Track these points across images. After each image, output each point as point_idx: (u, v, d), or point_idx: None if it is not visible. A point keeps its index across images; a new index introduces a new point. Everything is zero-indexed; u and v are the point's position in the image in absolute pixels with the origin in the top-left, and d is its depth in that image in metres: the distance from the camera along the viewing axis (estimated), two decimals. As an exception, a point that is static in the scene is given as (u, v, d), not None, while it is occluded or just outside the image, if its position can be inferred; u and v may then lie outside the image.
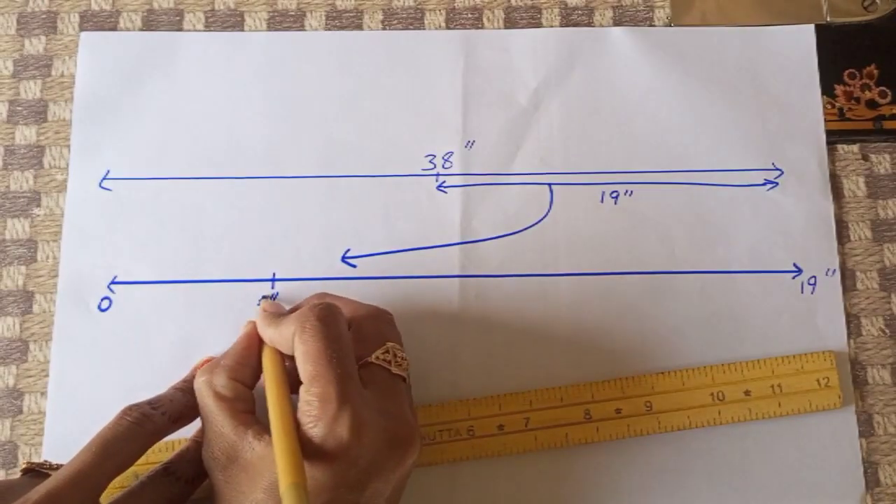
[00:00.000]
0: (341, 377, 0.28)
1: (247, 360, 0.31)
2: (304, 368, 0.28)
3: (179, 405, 0.32)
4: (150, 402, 0.31)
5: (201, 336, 0.37)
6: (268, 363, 0.31)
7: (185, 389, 0.33)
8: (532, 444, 0.35)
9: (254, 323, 0.33)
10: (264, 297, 0.38)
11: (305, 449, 0.27)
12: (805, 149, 0.40)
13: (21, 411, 0.37)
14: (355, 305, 0.33)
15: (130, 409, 0.30)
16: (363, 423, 0.27)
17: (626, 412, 0.36)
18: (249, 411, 0.30)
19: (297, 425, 0.28)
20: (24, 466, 0.31)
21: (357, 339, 0.31)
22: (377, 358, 0.30)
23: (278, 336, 0.30)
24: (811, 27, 0.41)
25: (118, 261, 0.38)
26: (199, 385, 0.30)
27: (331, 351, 0.28)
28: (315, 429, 0.27)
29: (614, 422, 0.36)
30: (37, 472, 0.30)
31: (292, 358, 0.30)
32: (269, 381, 0.30)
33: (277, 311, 0.33)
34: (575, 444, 0.36)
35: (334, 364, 0.28)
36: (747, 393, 0.36)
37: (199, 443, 0.31)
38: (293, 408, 0.29)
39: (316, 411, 0.27)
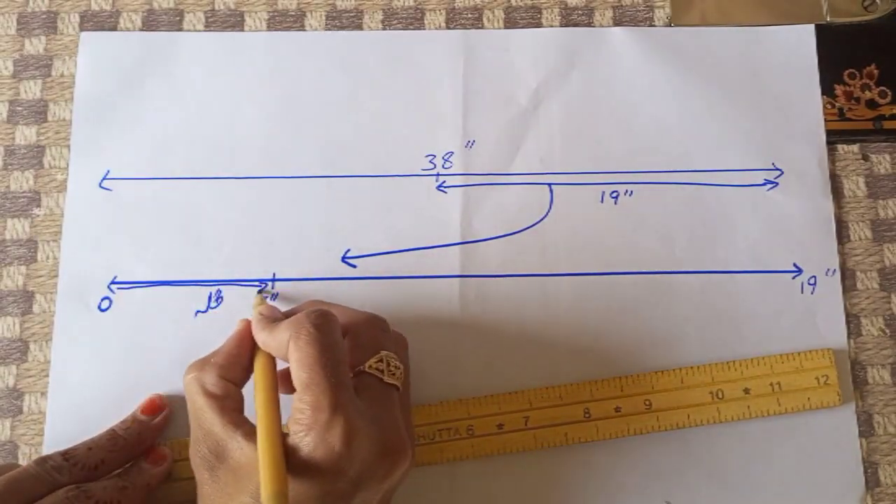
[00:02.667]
0: (335, 386, 0.27)
1: (238, 360, 0.31)
2: (297, 375, 0.28)
3: (101, 452, 0.32)
4: (63, 453, 0.32)
5: (201, 336, 0.37)
6: (259, 367, 0.31)
7: (115, 435, 0.33)
8: (532, 443, 0.35)
9: (247, 322, 0.32)
10: (260, 290, 0.37)
11: (294, 458, 0.27)
12: (805, 149, 0.40)
13: (21, 411, 0.37)
14: (350, 312, 0.33)
15: (43, 459, 0.31)
16: (355, 432, 0.27)
17: (626, 411, 0.36)
18: (239, 410, 0.30)
19: (286, 433, 0.27)
20: None
21: (352, 347, 0.31)
22: (370, 367, 0.30)
23: (272, 341, 0.30)
24: (811, 27, 0.41)
25: (118, 261, 0.38)
26: (188, 382, 0.30)
27: (325, 359, 0.28)
28: (306, 437, 0.27)
29: (614, 420, 0.36)
30: None
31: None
32: (259, 385, 0.30)
33: (273, 315, 0.32)
34: (574, 443, 0.36)
35: (328, 372, 0.28)
36: (746, 391, 0.36)
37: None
38: (281, 415, 0.28)
39: (308, 420, 0.27)
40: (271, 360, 0.31)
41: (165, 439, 0.35)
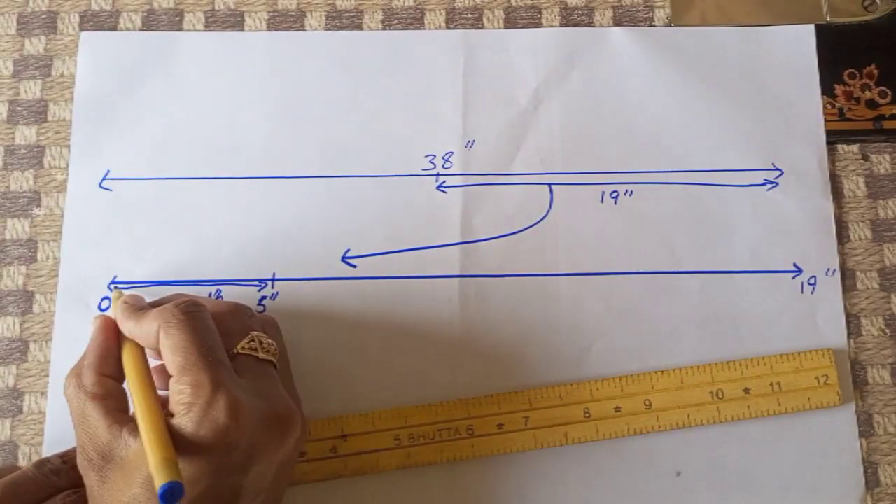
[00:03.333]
0: (212, 364, 0.28)
1: (109, 353, 0.30)
2: (172, 360, 0.28)
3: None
4: (62, 455, 0.32)
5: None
6: (128, 356, 0.30)
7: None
8: (531, 443, 0.35)
9: (104, 318, 0.31)
10: (115, 286, 0.37)
11: (180, 439, 0.26)
12: (805, 149, 0.40)
13: (21, 411, 0.37)
14: (214, 303, 0.33)
15: (41, 462, 0.31)
16: (240, 405, 0.27)
17: (626, 411, 0.36)
18: (123, 410, 0.29)
19: (168, 415, 0.27)
20: None
21: (222, 335, 0.30)
22: (243, 348, 0.31)
23: (139, 330, 0.30)
24: (811, 27, 0.41)
25: (118, 261, 0.38)
26: (69, 388, 0.29)
27: (199, 341, 0.28)
28: (188, 415, 0.27)
29: (614, 420, 0.36)
30: None
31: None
32: (132, 374, 0.29)
33: (138, 304, 0.32)
34: (574, 443, 0.36)
35: (204, 353, 0.28)
36: (746, 391, 0.36)
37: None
38: (161, 401, 0.28)
39: (188, 399, 0.27)
40: (140, 348, 0.31)
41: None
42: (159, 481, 0.25)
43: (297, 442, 0.30)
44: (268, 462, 0.28)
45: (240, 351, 0.30)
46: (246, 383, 0.29)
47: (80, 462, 0.29)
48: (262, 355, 0.31)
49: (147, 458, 0.26)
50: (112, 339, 0.31)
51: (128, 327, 0.31)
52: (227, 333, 0.31)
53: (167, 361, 0.28)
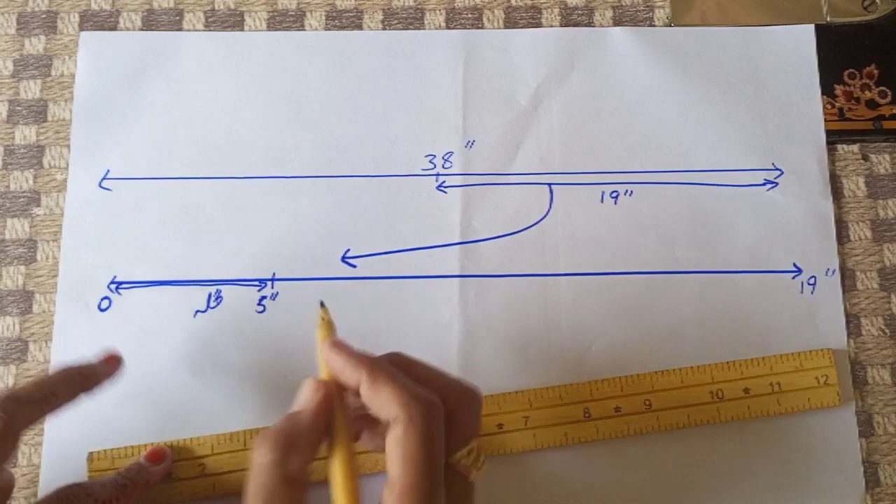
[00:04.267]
0: (430, 492, 0.25)
1: (321, 438, 0.27)
2: (400, 471, 0.25)
3: (111, 489, 0.32)
4: (82, 485, 0.31)
5: (201, 336, 0.37)
6: (339, 461, 0.26)
7: (117, 481, 0.33)
8: (532, 443, 0.35)
9: (325, 387, 0.27)
10: (323, 304, 0.31)
11: None
12: (805, 149, 0.40)
13: (21, 411, 0.37)
14: (443, 381, 0.29)
15: (67, 488, 0.31)
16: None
17: (626, 410, 0.36)
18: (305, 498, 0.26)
19: None
20: None
21: (446, 431, 0.27)
22: (459, 461, 0.27)
23: (373, 405, 0.26)
24: (811, 27, 0.41)
25: (118, 260, 0.38)
26: (263, 458, 0.25)
27: (430, 459, 0.25)
28: None
29: (614, 420, 0.36)
30: None
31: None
32: (340, 488, 0.26)
33: (349, 350, 0.28)
34: (574, 443, 0.36)
35: (428, 476, 0.25)
36: (746, 391, 0.36)
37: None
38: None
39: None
40: (353, 456, 0.27)
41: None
42: None
43: None
44: None
45: (455, 464, 0.27)
46: None
47: None
48: (473, 476, 0.28)
49: None
50: (325, 420, 0.27)
51: (366, 394, 0.27)
52: (451, 432, 0.27)
53: (393, 464, 0.25)
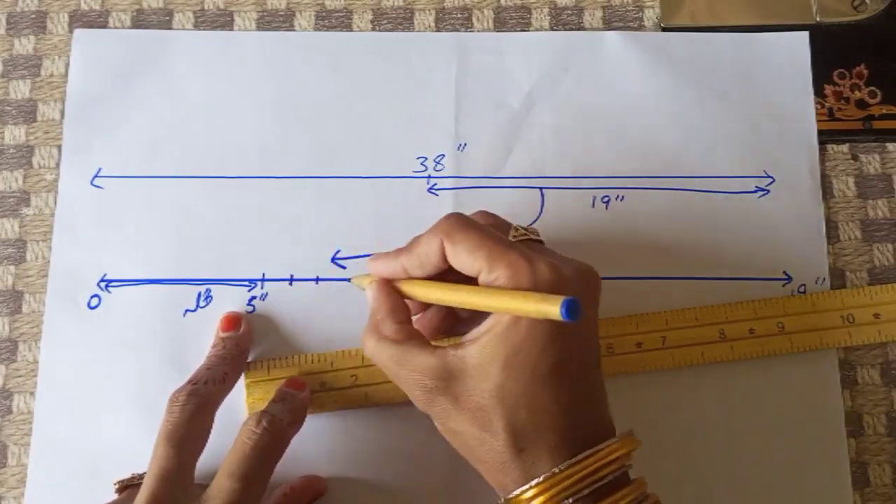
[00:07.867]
0: (512, 245, 0.29)
1: (396, 305, 0.31)
2: (475, 257, 0.28)
3: (220, 366, 0.34)
4: (190, 381, 0.33)
5: (190, 335, 0.37)
6: (416, 283, 0.31)
7: (216, 352, 0.35)
8: (669, 362, 0.36)
9: (377, 279, 0.32)
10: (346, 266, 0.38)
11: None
12: (797, 156, 0.40)
13: (10, 411, 0.37)
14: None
15: (178, 393, 0.32)
16: (556, 266, 0.28)
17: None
18: (428, 340, 0.30)
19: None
20: (117, 487, 0.33)
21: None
22: (514, 237, 0.31)
23: (416, 258, 0.31)
24: (805, 34, 0.41)
25: (108, 259, 0.38)
26: (370, 346, 0.30)
27: (487, 234, 0.29)
28: (523, 283, 0.28)
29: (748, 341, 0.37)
30: (135, 486, 0.31)
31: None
32: (429, 285, 0.31)
33: (386, 253, 0.33)
34: (710, 362, 0.36)
35: (499, 239, 0.29)
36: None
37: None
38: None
39: (511, 282, 0.28)
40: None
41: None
42: (554, 303, 0.25)
43: (598, 297, 0.31)
44: (593, 316, 0.30)
45: (513, 238, 0.31)
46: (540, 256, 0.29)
47: (422, 403, 0.29)
48: (533, 236, 0.32)
49: (489, 368, 0.27)
50: (393, 293, 0.32)
51: (402, 264, 0.31)
52: (494, 228, 0.31)
53: (467, 265, 0.29)
